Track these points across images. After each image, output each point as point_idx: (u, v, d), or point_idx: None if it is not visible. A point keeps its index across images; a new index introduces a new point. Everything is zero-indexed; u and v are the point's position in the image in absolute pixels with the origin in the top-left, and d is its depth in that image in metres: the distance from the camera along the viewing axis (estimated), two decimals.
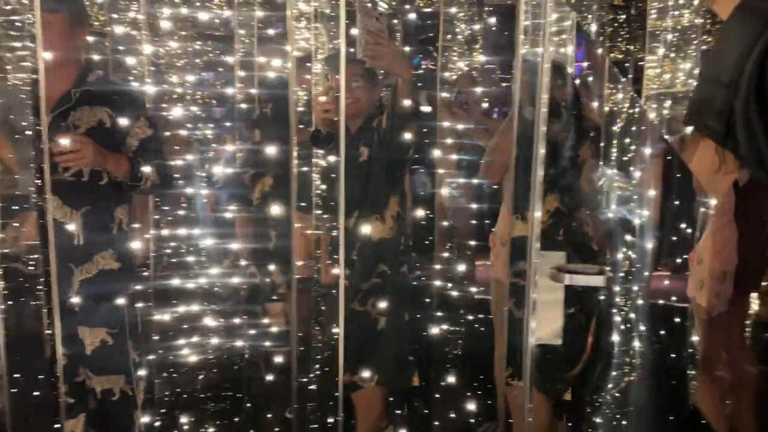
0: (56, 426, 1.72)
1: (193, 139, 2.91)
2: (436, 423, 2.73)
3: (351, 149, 2.27)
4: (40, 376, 1.77)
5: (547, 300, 1.41)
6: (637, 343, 2.47)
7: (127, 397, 2.07)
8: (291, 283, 1.73)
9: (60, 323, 1.69)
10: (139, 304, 2.42)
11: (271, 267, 2.67)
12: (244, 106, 2.78)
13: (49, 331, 1.74)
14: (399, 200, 2.37)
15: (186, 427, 2.69)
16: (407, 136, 2.25)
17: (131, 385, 2.08)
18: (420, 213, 2.58)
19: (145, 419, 2.21)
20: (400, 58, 2.14)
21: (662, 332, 2.53)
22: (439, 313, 2.76)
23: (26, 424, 1.79)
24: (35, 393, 1.71)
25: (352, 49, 2.55)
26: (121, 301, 2.06)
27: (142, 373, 2.27)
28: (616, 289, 2.31)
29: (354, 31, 2.50)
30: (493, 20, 3.19)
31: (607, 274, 1.36)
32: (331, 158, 2.20)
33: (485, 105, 2.98)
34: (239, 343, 2.84)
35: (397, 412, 2.75)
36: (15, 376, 1.62)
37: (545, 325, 1.42)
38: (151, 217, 2.67)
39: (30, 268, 1.80)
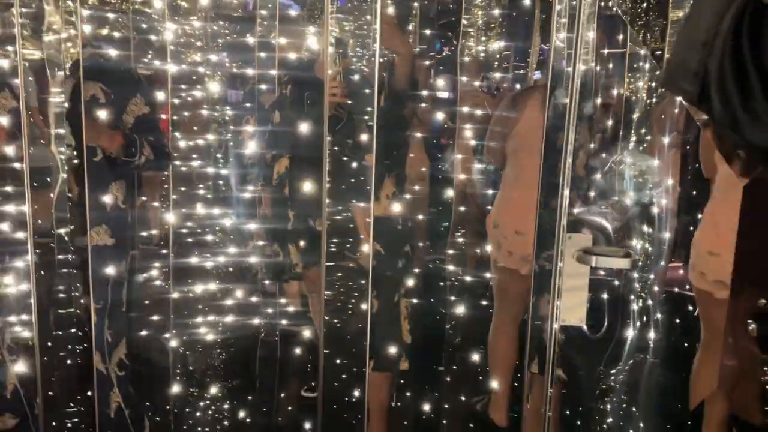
0: (88, 394, 1.76)
1: (213, 120, 2.93)
2: (446, 406, 2.77)
3: (349, 129, 2.28)
4: (69, 346, 1.81)
5: (573, 282, 1.43)
6: (651, 332, 2.49)
7: (102, 378, 2.08)
8: (321, 264, 1.74)
9: (93, 293, 1.72)
10: (138, 280, 2.46)
11: (290, 246, 2.70)
12: (264, 87, 2.80)
13: (83, 300, 1.77)
14: (395, 180, 2.38)
15: (201, 404, 2.73)
16: (404, 114, 2.25)
17: (106, 364, 2.10)
18: (440, 196, 2.60)
19: (175, 390, 2.21)
20: (397, 35, 2.13)
21: (677, 320, 2.55)
22: (452, 297, 2.79)
23: (55, 393, 1.82)
24: (67, 361, 1.75)
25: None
26: (110, 277, 2.08)
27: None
28: (635, 275, 2.33)
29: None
30: (511, 6, 3.18)
31: (634, 256, 1.38)
32: (364, 137, 2.20)
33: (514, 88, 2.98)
34: (255, 321, 2.87)
35: (407, 394, 2.79)
36: (48, 344, 1.65)
37: (570, 307, 1.44)
38: (171, 195, 2.70)
39: (64, 238, 1.83)
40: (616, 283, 2.34)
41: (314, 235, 2.65)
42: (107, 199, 2.07)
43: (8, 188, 2.04)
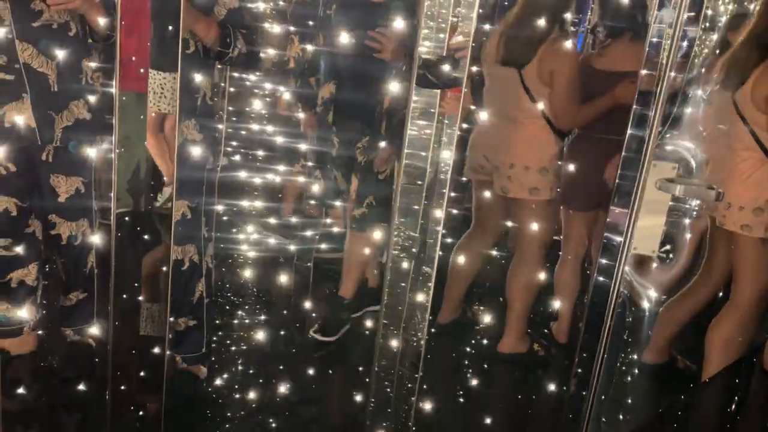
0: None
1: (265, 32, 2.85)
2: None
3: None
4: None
5: (651, 212, 1.43)
6: None
7: (194, 267, 2.14)
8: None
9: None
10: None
11: (336, 173, 2.70)
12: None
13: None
14: None
15: (235, 322, 2.77)
16: None
17: (201, 256, 2.15)
18: None
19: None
20: None
21: None
22: None
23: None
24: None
25: None
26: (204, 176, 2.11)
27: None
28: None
29: None
30: None
31: (717, 189, 1.37)
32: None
33: None
34: (294, 247, 2.91)
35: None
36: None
37: (644, 235, 1.44)
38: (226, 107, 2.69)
39: None
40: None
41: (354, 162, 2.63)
42: (198, 93, 2.01)
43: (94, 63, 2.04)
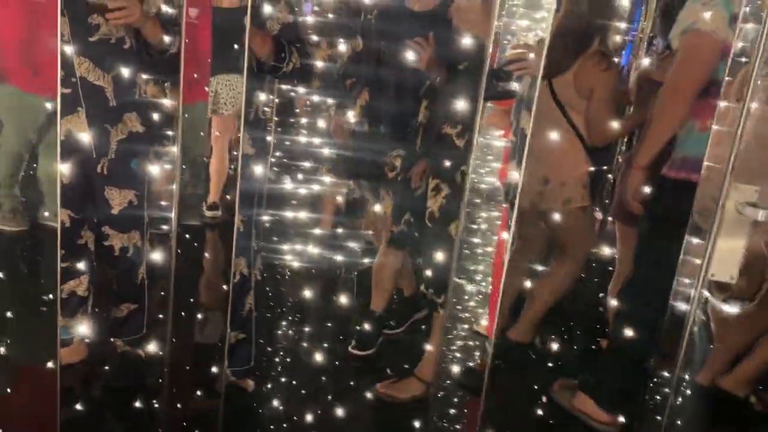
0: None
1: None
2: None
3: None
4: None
5: (730, 236, 1.37)
6: None
7: (244, 280, 2.14)
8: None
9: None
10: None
11: (363, 182, 2.65)
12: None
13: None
14: None
15: (282, 329, 2.76)
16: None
17: (250, 269, 2.14)
18: None
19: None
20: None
21: None
22: None
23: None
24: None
25: None
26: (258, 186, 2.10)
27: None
28: None
29: None
30: None
31: None
32: None
33: None
34: (339, 258, 2.88)
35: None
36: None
37: (722, 260, 1.38)
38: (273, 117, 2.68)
39: None
40: None
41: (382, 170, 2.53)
42: (250, 108, 2.01)
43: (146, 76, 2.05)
